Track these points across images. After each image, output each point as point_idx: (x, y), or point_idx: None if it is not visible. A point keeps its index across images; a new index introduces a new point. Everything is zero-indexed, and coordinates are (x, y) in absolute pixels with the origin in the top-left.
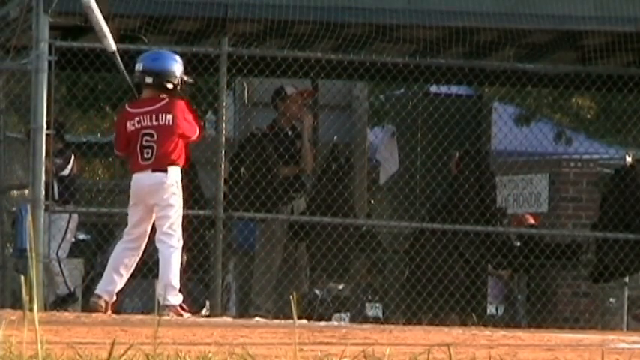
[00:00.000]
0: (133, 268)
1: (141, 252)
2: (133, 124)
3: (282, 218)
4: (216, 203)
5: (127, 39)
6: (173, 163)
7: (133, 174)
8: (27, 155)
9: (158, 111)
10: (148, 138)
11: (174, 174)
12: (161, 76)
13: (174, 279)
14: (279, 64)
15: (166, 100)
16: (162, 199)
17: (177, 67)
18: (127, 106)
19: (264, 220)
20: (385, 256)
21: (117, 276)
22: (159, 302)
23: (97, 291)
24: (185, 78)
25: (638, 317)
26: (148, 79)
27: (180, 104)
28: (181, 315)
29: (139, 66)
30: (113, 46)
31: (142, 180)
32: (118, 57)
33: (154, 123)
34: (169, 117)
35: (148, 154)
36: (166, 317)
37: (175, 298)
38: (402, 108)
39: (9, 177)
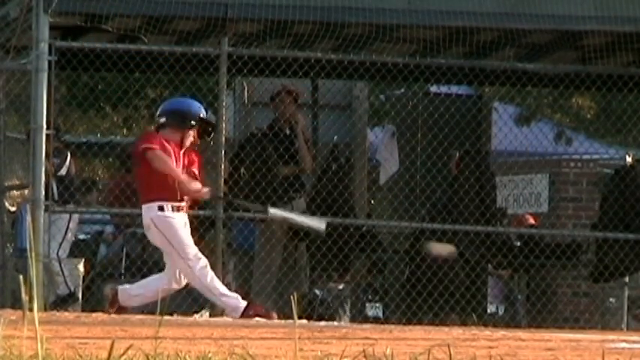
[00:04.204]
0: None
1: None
2: None
3: None
4: (216, 203)
5: (126, 39)
6: (147, 201)
7: None
8: (27, 155)
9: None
10: None
11: (149, 212)
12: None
13: (219, 295)
14: (279, 64)
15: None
16: (155, 241)
17: (166, 105)
18: None
19: (264, 220)
20: (385, 256)
21: (143, 293)
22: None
23: (119, 287)
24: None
25: (638, 317)
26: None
27: (146, 134)
28: (259, 315)
29: None
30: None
31: None
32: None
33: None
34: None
35: None
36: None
37: (238, 309)
38: (402, 108)
39: (9, 177)
